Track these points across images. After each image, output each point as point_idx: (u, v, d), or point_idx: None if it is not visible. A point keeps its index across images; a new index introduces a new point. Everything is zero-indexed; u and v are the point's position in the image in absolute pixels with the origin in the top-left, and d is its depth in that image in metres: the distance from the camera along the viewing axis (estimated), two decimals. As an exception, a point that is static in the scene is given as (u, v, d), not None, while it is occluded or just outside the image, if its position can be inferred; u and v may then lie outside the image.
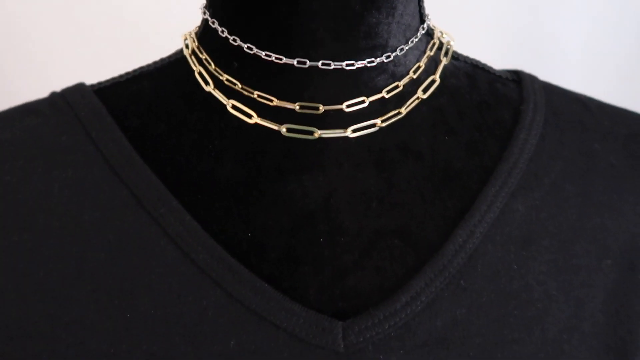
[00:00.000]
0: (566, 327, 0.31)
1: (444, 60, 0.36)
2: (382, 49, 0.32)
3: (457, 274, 0.31)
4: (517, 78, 0.38)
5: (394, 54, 0.32)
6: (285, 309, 0.29)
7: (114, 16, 0.70)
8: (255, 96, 0.32)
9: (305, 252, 0.31)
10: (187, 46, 0.36)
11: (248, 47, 0.31)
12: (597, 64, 0.83)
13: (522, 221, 0.33)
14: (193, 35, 0.36)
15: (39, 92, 0.38)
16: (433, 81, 0.35)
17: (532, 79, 0.38)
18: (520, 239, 0.32)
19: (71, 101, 0.35)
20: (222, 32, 0.33)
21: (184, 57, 0.35)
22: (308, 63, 0.30)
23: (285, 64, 0.31)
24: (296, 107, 0.31)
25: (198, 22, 0.37)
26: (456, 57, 0.38)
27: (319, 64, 0.30)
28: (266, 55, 0.31)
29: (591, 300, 0.32)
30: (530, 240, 0.32)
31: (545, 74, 0.41)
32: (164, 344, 0.29)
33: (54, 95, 0.36)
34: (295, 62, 0.30)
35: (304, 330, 0.29)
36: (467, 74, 0.37)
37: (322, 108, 0.31)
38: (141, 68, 0.37)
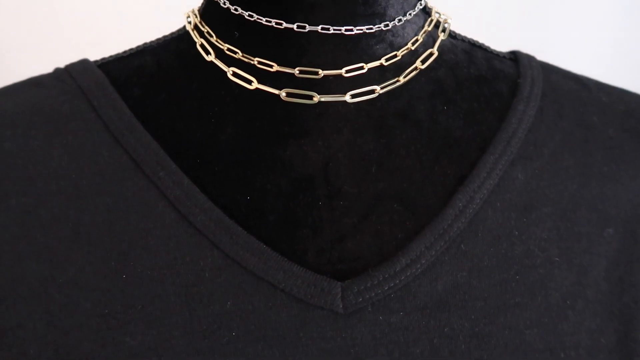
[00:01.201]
0: (569, 293, 0.31)
1: (442, 36, 0.36)
2: (380, 17, 0.32)
3: (457, 237, 0.30)
4: (514, 57, 0.39)
5: (392, 23, 0.33)
6: (284, 270, 0.29)
7: (113, 10, 0.72)
8: (256, 63, 0.32)
9: (304, 216, 0.31)
10: (189, 22, 0.36)
11: (249, 15, 0.32)
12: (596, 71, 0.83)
13: (522, 189, 0.32)
14: (195, 11, 0.37)
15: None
16: (431, 54, 0.35)
17: (529, 57, 0.39)
18: (520, 205, 0.32)
19: (74, 74, 0.35)
20: (224, 3, 0.33)
21: (187, 32, 0.36)
22: (307, 27, 0.31)
23: (285, 28, 0.31)
24: (296, 71, 0.32)
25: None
26: (453, 35, 0.38)
27: (319, 28, 0.31)
28: (267, 21, 0.31)
29: (594, 267, 0.32)
30: (530, 207, 0.32)
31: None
32: (160, 305, 0.29)
33: (57, 69, 0.37)
34: (295, 26, 0.31)
35: (303, 291, 0.29)
36: (465, 51, 0.38)
37: (321, 73, 0.32)
38: (144, 44, 0.38)
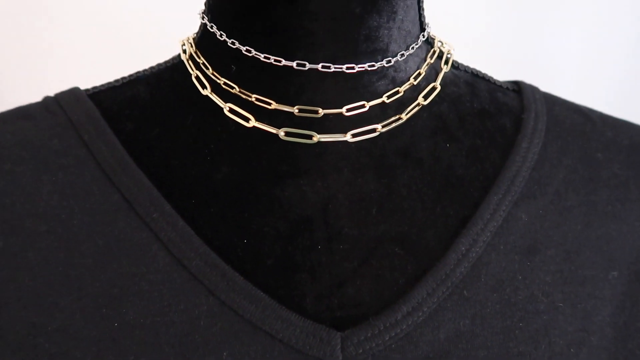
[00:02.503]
0: (574, 340, 0.30)
1: (445, 68, 0.35)
2: (382, 53, 0.31)
3: (460, 283, 0.30)
4: (518, 88, 0.38)
5: (394, 59, 0.32)
6: (282, 319, 0.28)
7: (111, 23, 0.71)
8: (253, 99, 0.31)
9: (303, 260, 0.30)
10: (184, 51, 0.35)
11: (247, 50, 0.31)
12: (591, 77, 0.83)
13: (526, 230, 0.32)
14: (191, 40, 0.35)
15: (35, 97, 0.38)
16: (434, 88, 0.34)
17: (533, 89, 0.38)
18: (524, 248, 0.31)
19: (64, 104, 0.34)
20: (221, 35, 0.32)
21: (181, 62, 0.35)
22: (307, 65, 0.30)
23: (284, 66, 0.30)
24: (295, 110, 0.31)
25: (195, 29, 0.36)
26: (456, 65, 0.37)
27: (319, 66, 0.30)
28: (265, 57, 0.30)
29: (599, 312, 0.31)
30: (534, 249, 0.31)
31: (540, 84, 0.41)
32: (153, 355, 0.28)
33: (47, 99, 0.35)
34: (294, 64, 0.30)
35: (301, 341, 0.28)
36: (467, 83, 0.37)
37: (321, 112, 0.31)
38: (137, 73, 0.36)
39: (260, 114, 0.31)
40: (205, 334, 0.28)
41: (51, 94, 0.36)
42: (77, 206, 0.31)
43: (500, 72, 0.41)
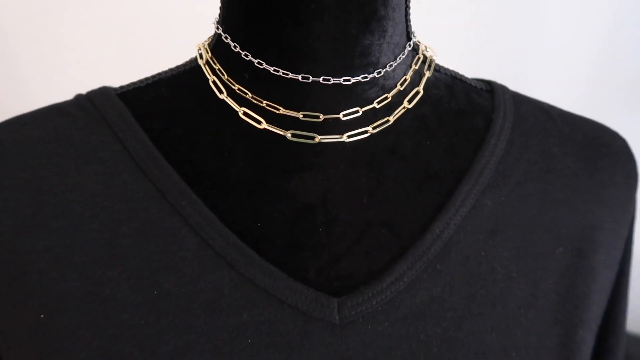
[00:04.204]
0: (524, 303, 0.37)
1: (427, 74, 0.41)
2: (374, 66, 0.37)
3: (434, 259, 0.36)
4: (490, 88, 0.44)
5: (384, 70, 0.37)
6: (290, 287, 0.35)
7: (126, 25, 0.74)
8: (264, 105, 0.37)
9: (306, 240, 0.36)
10: (200, 56, 0.40)
11: (258, 62, 0.36)
12: (568, 73, 0.89)
13: (490, 214, 0.38)
14: (206, 46, 0.40)
15: (53, 93, 0.43)
16: (417, 92, 0.40)
17: (504, 89, 0.44)
18: (488, 229, 0.38)
19: (97, 104, 0.39)
20: (235, 47, 0.37)
21: (198, 66, 0.40)
22: (311, 78, 0.35)
23: (291, 78, 0.36)
24: (300, 115, 0.36)
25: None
26: (438, 69, 0.43)
27: (320, 79, 0.35)
28: (274, 70, 0.36)
29: (545, 281, 0.38)
30: (496, 231, 0.38)
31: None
32: (186, 316, 0.34)
33: (80, 97, 0.40)
34: (300, 77, 0.35)
35: (306, 305, 0.34)
36: (447, 85, 0.42)
37: (322, 117, 0.36)
38: (159, 74, 0.41)
39: (270, 117, 0.37)
40: (228, 300, 0.35)
41: (66, 90, 0.41)
42: (116, 194, 0.36)
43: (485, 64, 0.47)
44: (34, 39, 0.74)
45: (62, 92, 0.45)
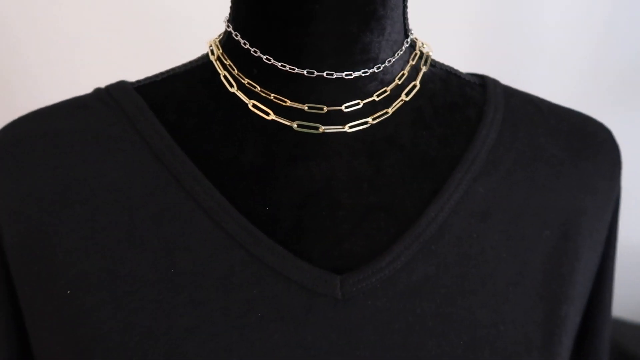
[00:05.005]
0: (512, 281, 0.40)
1: (424, 69, 0.44)
2: (374, 62, 0.40)
3: (429, 240, 0.39)
4: (483, 82, 0.47)
5: (383, 65, 0.40)
6: (296, 266, 0.38)
7: (139, 22, 0.76)
8: (272, 98, 0.40)
9: (311, 223, 0.39)
10: (212, 52, 0.43)
11: (267, 58, 0.39)
12: (561, 67, 0.91)
13: (482, 200, 0.41)
14: (217, 42, 0.43)
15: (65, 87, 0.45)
16: (414, 86, 0.43)
17: (495, 83, 0.47)
18: (479, 213, 0.41)
19: (116, 97, 0.42)
20: (245, 44, 0.40)
21: (210, 62, 0.43)
22: (315, 73, 0.38)
23: (297, 73, 0.38)
24: (305, 107, 0.39)
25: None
26: (433, 64, 0.46)
27: (324, 74, 0.38)
28: (282, 65, 0.39)
29: (533, 262, 0.41)
30: (487, 214, 0.41)
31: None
32: (201, 292, 0.37)
33: (99, 91, 0.43)
34: (305, 72, 0.38)
35: (311, 282, 0.37)
36: (442, 79, 0.45)
37: (325, 109, 0.39)
38: (173, 69, 0.44)
39: (278, 109, 0.40)
40: (239, 277, 0.37)
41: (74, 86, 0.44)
42: (135, 181, 0.39)
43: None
44: (39, 33, 0.76)
45: (70, 88, 0.47)
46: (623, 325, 1.01)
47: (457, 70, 0.47)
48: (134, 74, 0.46)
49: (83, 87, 0.45)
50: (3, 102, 0.84)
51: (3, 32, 0.80)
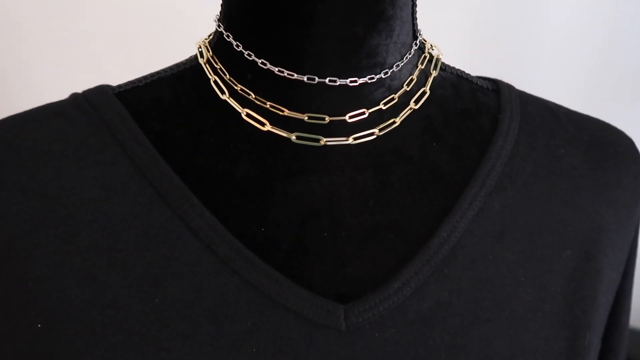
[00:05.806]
0: (531, 307, 0.37)
1: (434, 73, 0.40)
2: (381, 66, 0.36)
3: (441, 263, 0.36)
4: (496, 87, 0.43)
5: (391, 70, 0.37)
6: (295, 294, 0.34)
7: (121, 20, 0.73)
8: (268, 106, 0.36)
9: (312, 244, 0.35)
10: (201, 54, 0.39)
11: (262, 63, 0.35)
12: (566, 66, 0.88)
13: (497, 217, 0.38)
14: (207, 44, 0.39)
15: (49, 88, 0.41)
16: (424, 92, 0.39)
17: (510, 88, 0.43)
18: (495, 233, 0.37)
19: (95, 104, 0.38)
20: (237, 46, 0.36)
21: (199, 65, 0.39)
22: (317, 79, 0.34)
23: (296, 79, 0.35)
24: (305, 117, 0.35)
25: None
26: (443, 68, 0.42)
27: (326, 80, 0.34)
28: (279, 71, 0.35)
29: (553, 284, 0.38)
30: (503, 234, 0.38)
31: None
32: (190, 324, 0.34)
33: (76, 96, 0.39)
34: (305, 78, 0.34)
35: (311, 312, 0.34)
36: (453, 84, 0.42)
37: (327, 119, 0.35)
38: (158, 73, 0.40)
39: (274, 119, 0.36)
40: (232, 306, 0.34)
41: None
42: (116, 198, 0.35)
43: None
44: (39, 33, 0.72)
45: (70, 87, 0.43)
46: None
47: (468, 75, 0.43)
48: (134, 74, 0.42)
49: (83, 87, 0.41)
50: (2, 102, 0.80)
51: (3, 32, 0.76)
